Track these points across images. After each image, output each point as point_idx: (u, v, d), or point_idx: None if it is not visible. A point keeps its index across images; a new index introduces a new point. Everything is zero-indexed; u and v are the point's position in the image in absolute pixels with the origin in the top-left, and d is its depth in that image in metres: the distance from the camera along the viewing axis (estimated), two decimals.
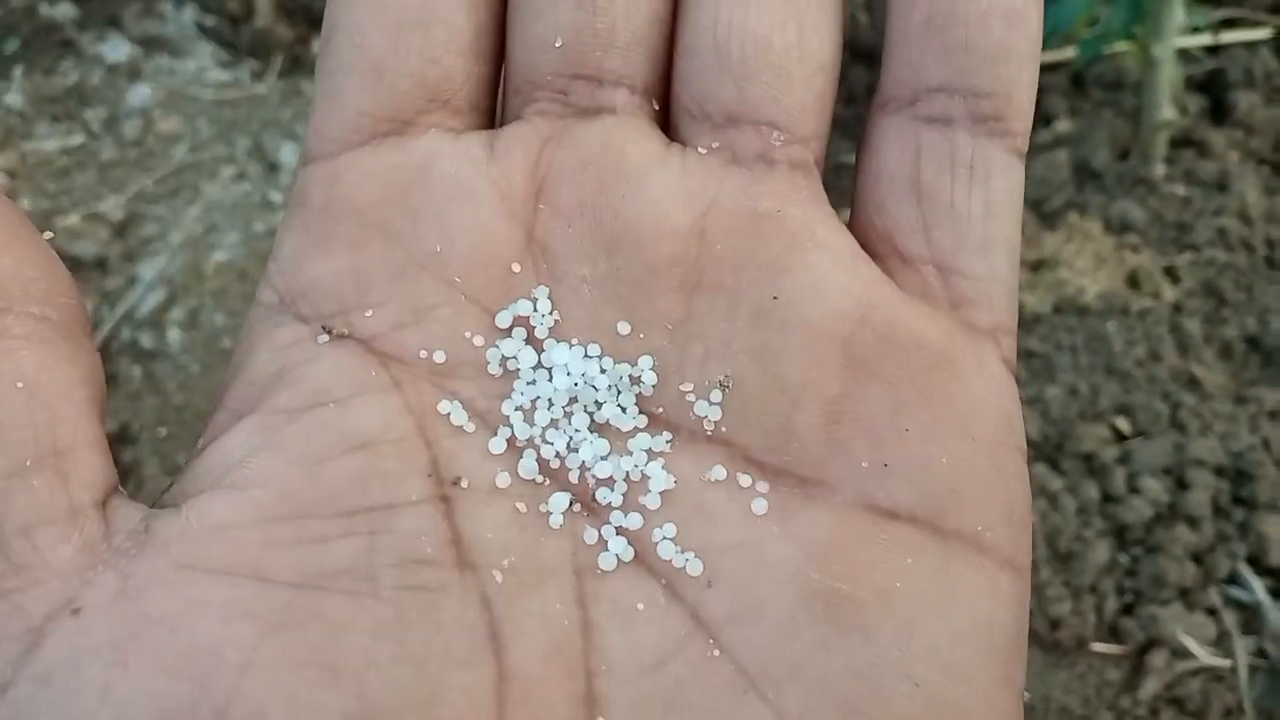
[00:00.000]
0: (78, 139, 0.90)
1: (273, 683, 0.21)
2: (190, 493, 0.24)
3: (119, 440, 0.78)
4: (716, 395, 0.25)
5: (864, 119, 0.27)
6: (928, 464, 0.24)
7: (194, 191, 0.87)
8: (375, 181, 0.26)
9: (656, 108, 0.27)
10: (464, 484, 0.24)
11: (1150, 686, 0.63)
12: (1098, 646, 0.65)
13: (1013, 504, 0.24)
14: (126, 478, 0.76)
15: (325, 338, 0.25)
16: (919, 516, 0.24)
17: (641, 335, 0.25)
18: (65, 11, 0.95)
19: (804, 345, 0.24)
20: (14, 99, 0.92)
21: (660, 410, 0.25)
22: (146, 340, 0.82)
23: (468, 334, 0.25)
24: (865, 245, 0.26)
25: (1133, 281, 0.76)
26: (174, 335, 0.82)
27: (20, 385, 0.22)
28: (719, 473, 0.24)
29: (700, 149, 0.26)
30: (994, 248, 0.25)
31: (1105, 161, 0.81)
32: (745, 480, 0.24)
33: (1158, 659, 0.64)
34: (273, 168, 0.88)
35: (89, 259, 0.84)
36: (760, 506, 0.24)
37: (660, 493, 0.24)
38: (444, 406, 0.25)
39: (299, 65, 0.94)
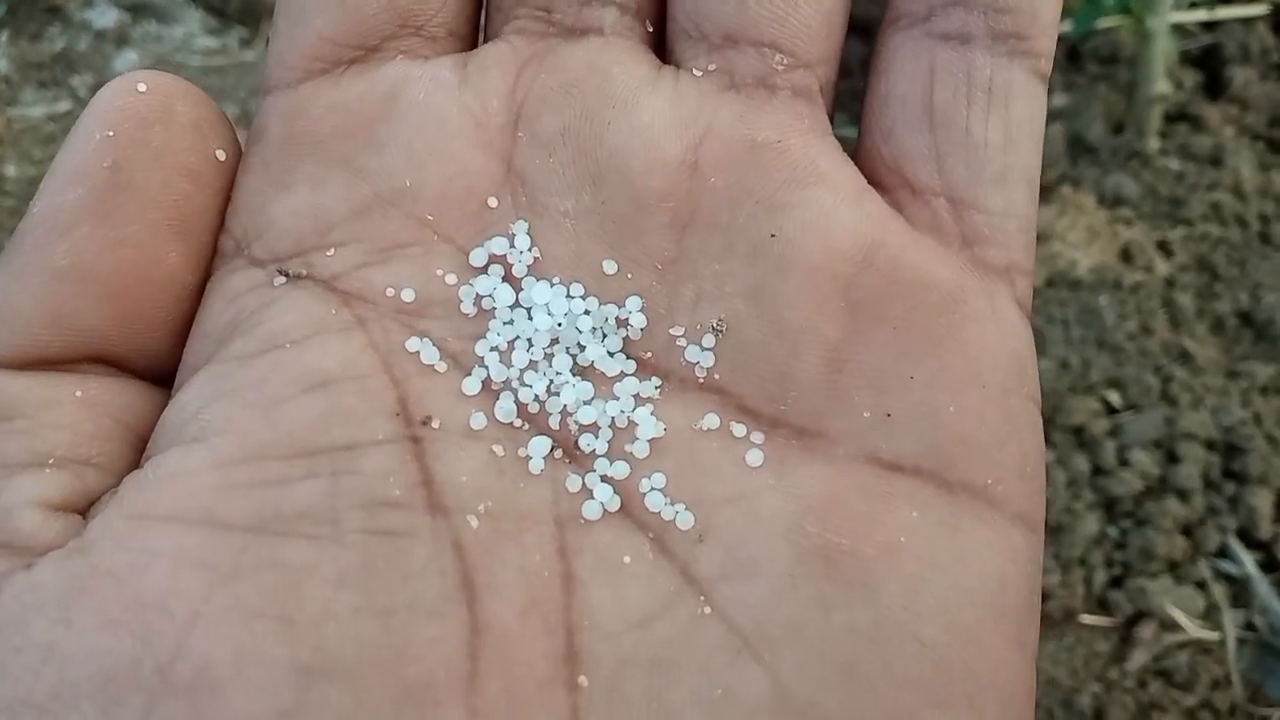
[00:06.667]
0: (64, 105, 0.89)
1: (220, 635, 0.20)
2: (153, 453, 0.22)
3: None
4: (709, 340, 0.23)
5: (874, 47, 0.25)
6: (933, 413, 0.22)
7: None
8: (338, 112, 0.24)
9: (650, 29, 0.25)
10: (435, 424, 0.22)
11: (1138, 659, 0.63)
12: (1086, 618, 0.65)
13: (1025, 455, 0.23)
14: None
15: (281, 280, 0.23)
16: (924, 469, 0.22)
17: (629, 275, 0.23)
18: None
19: (804, 287, 0.23)
20: (0, 65, 0.91)
21: (649, 355, 0.23)
22: None
23: (439, 272, 0.23)
24: (872, 177, 0.24)
25: (1125, 255, 0.76)
26: None
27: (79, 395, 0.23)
28: (711, 421, 0.23)
29: (695, 71, 0.24)
30: (1011, 179, 0.23)
31: (1099, 135, 0.81)
32: (739, 430, 0.23)
33: (1146, 631, 0.64)
34: None
35: None
36: (755, 458, 0.22)
37: (648, 441, 0.23)
38: (412, 344, 0.23)
39: None
